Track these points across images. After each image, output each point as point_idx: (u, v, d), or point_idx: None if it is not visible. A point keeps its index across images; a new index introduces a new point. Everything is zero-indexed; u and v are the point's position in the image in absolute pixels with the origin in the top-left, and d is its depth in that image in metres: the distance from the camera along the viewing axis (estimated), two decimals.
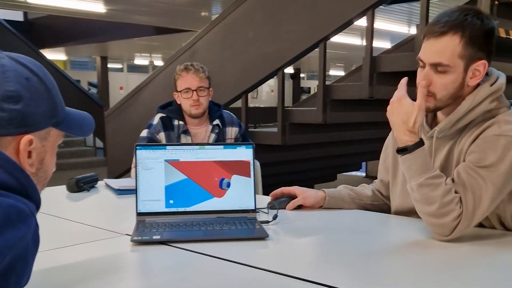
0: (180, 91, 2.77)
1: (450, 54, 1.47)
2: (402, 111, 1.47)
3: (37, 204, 0.94)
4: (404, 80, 1.53)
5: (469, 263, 1.32)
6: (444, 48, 1.47)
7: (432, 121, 1.66)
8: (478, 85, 1.53)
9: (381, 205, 1.92)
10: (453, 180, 1.48)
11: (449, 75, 1.49)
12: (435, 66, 1.49)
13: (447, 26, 1.47)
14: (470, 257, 1.37)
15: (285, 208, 1.85)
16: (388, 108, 1.51)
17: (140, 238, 1.45)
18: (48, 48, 13.21)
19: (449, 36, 1.47)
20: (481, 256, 1.37)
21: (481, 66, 1.50)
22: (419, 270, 1.26)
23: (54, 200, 2.14)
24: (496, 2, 3.20)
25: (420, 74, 1.54)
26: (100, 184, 2.46)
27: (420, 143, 1.47)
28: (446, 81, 1.49)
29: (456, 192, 1.44)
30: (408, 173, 1.48)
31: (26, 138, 0.94)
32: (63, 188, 2.32)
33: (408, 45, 5.12)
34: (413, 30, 10.18)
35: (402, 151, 1.48)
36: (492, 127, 1.49)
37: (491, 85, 1.53)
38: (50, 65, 10.01)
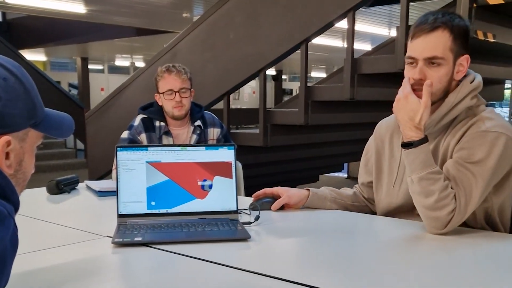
0: (163, 93, 2.75)
1: (443, 47, 1.56)
2: (409, 108, 1.53)
3: (15, 205, 0.92)
4: (406, 78, 1.59)
5: (455, 261, 1.34)
6: (437, 42, 1.56)
7: None
8: (457, 84, 1.62)
9: (362, 207, 1.95)
10: None
11: (443, 68, 1.57)
12: (429, 60, 1.56)
13: (437, 23, 1.56)
14: (456, 255, 1.38)
15: (268, 209, 1.85)
16: (395, 104, 1.58)
17: (121, 239, 1.44)
18: (27, 48, 13.05)
19: (440, 31, 1.56)
20: (466, 254, 1.39)
21: (464, 60, 1.60)
22: (402, 269, 1.27)
23: (34, 202, 2.11)
24: (475, 5, 3.24)
25: (410, 72, 1.60)
26: (81, 186, 2.44)
27: (425, 139, 1.53)
28: (440, 74, 1.57)
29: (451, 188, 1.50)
30: (410, 167, 1.54)
31: (4, 139, 0.93)
32: (43, 190, 2.30)
33: (388, 47, 5.14)
34: (393, 32, 10.27)
35: (407, 145, 1.54)
36: (476, 124, 1.57)
37: (471, 83, 1.62)
38: (29, 66, 9.90)
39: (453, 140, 1.60)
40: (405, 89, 1.56)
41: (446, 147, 1.61)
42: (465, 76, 1.63)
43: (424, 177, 1.49)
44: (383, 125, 1.88)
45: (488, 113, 1.60)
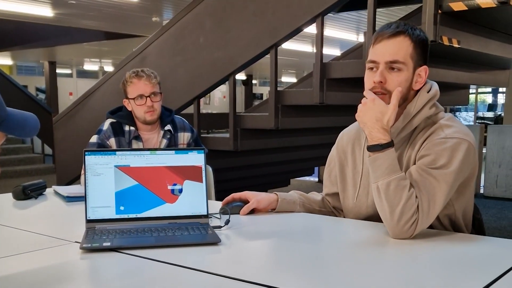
0: (133, 98, 2.73)
1: (404, 52, 1.58)
2: (377, 110, 1.53)
3: None
4: (367, 85, 1.61)
5: (422, 261, 1.36)
6: (399, 47, 1.58)
7: None
8: (415, 95, 1.64)
9: (328, 213, 1.96)
10: None
11: (403, 73, 1.58)
12: (390, 64, 1.58)
13: (399, 29, 1.58)
14: (422, 255, 1.41)
15: (238, 213, 1.85)
16: (361, 107, 1.57)
17: (89, 245, 1.42)
18: None
19: (402, 37, 1.58)
20: (431, 253, 1.41)
21: (423, 71, 1.63)
22: (371, 271, 1.29)
23: (0, 208, 2.07)
24: (440, 11, 3.30)
25: (370, 76, 1.61)
26: (49, 191, 2.41)
27: (392, 143, 1.53)
28: (401, 79, 1.58)
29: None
30: (376, 172, 1.52)
31: None
32: (9, 196, 2.26)
33: (356, 52, 5.21)
34: (361, 38, 10.39)
35: (373, 149, 1.53)
36: (435, 132, 1.59)
37: (428, 92, 1.64)
38: None
39: (414, 150, 1.61)
40: (370, 95, 1.57)
41: (408, 158, 1.63)
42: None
43: (392, 183, 1.49)
44: (344, 137, 1.89)
45: (446, 120, 1.62)
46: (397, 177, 1.49)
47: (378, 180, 1.52)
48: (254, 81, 22.80)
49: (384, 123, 1.52)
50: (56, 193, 2.36)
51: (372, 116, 1.54)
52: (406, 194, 1.48)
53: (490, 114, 20.79)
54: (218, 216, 1.81)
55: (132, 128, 2.76)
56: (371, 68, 1.62)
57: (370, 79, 1.61)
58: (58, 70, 16.18)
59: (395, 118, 1.56)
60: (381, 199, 1.51)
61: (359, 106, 1.58)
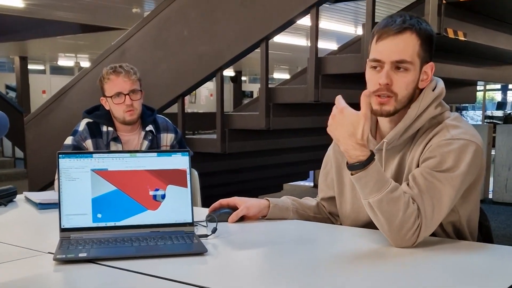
0: (110, 97, 2.72)
1: (412, 51, 1.56)
2: (347, 123, 1.44)
3: None
4: (339, 96, 1.50)
5: (422, 271, 1.37)
6: (406, 45, 1.56)
7: (375, 132, 1.72)
8: (420, 93, 1.63)
9: (324, 219, 1.96)
10: (407, 185, 1.54)
11: (410, 74, 1.57)
12: (397, 64, 1.56)
13: (406, 24, 1.56)
14: (423, 264, 1.41)
15: (226, 221, 1.85)
16: (330, 122, 1.48)
17: (64, 256, 1.42)
18: None
19: (409, 34, 1.56)
20: (433, 263, 1.42)
21: (429, 68, 1.62)
22: (370, 282, 1.29)
23: None
24: (444, 1, 3.32)
25: (374, 76, 1.59)
26: (20, 198, 2.40)
27: (372, 156, 1.48)
28: (407, 79, 1.57)
29: (413, 199, 1.49)
30: (364, 191, 1.50)
31: None
32: None
33: (354, 46, 5.21)
34: (359, 30, 10.43)
35: (355, 168, 1.48)
36: (441, 132, 1.58)
37: (433, 90, 1.63)
38: None
39: (418, 151, 1.60)
40: (339, 104, 1.47)
41: (411, 161, 1.62)
42: None
43: (384, 199, 1.47)
44: None
45: (452, 120, 1.61)
46: (388, 191, 1.47)
47: (368, 197, 1.49)
48: (243, 78, 22.82)
49: (358, 137, 1.43)
50: (28, 199, 2.35)
51: (343, 131, 1.45)
52: (402, 204, 1.47)
53: (499, 113, 20.92)
54: (204, 224, 1.81)
55: (110, 128, 2.75)
56: (374, 67, 1.60)
57: (374, 80, 1.59)
58: (29, 66, 16.12)
59: (369, 127, 1.49)
60: (376, 215, 1.50)
61: (329, 120, 1.49)
